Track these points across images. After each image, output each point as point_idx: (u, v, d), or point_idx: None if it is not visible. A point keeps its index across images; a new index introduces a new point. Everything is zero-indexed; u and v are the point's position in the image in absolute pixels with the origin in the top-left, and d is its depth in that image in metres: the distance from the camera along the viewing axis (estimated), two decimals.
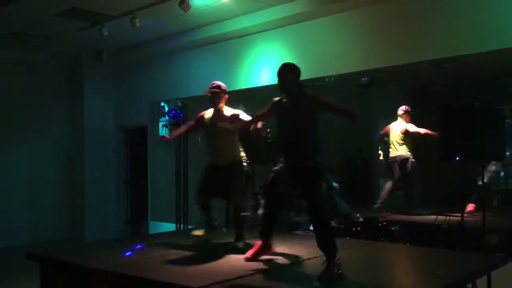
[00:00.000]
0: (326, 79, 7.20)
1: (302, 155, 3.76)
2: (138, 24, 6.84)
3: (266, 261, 4.02)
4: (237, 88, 7.74)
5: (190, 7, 6.21)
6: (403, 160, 6.90)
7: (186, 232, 5.81)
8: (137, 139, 9.69)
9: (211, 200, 4.80)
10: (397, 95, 8.78)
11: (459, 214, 5.37)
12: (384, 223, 6.32)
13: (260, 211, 4.90)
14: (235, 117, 4.57)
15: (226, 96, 4.80)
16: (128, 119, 9.71)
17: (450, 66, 6.43)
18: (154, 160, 9.28)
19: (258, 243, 4.10)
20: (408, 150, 6.91)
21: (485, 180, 5.77)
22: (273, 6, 6.79)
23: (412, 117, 7.03)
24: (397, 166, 6.90)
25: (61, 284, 4.19)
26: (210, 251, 4.53)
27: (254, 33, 7.44)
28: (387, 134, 7.14)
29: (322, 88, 7.68)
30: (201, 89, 7.91)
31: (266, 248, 4.08)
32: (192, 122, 5.11)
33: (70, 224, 9.60)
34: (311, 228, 6.55)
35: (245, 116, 4.60)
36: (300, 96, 3.87)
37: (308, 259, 4.15)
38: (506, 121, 5.96)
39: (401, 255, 4.75)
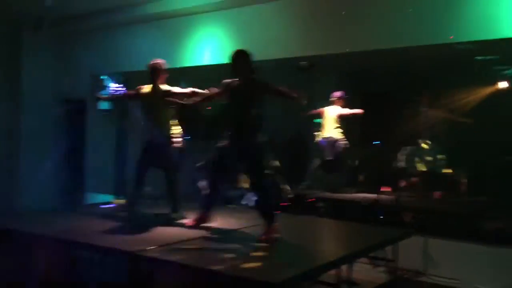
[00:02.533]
0: (263, 62, 7.52)
1: (250, 134, 4.18)
2: None
3: (204, 229, 4.41)
4: (179, 66, 7.95)
5: None
6: (335, 142, 7.32)
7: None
8: (77, 111, 9.64)
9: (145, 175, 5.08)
10: (333, 80, 9.22)
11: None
12: (313, 199, 6.83)
13: (202, 184, 5.23)
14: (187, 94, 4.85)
15: (166, 74, 5.09)
16: (68, 91, 9.60)
17: (384, 54, 6.86)
18: (93, 133, 9.31)
19: (199, 213, 4.50)
20: (340, 133, 7.32)
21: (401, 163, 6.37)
22: None
23: (345, 103, 7.40)
24: (329, 146, 7.33)
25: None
26: (146, 221, 4.82)
27: (199, 13, 7.61)
28: (319, 116, 7.52)
29: (260, 70, 8.02)
30: (144, 64, 8.12)
31: (205, 218, 4.50)
32: (131, 91, 5.34)
33: (2, 195, 9.44)
34: (243, 202, 7.01)
35: (180, 91, 4.93)
36: (252, 80, 4.26)
37: (243, 227, 4.60)
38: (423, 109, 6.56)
39: (323, 227, 5.25)
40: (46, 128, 9.71)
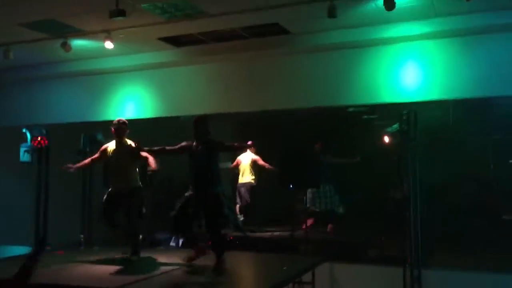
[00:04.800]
0: (181, 117, 8.41)
1: (209, 185, 5.08)
2: (12, 57, 7.14)
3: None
4: (102, 119, 8.48)
5: (71, 48, 6.88)
6: (250, 186, 8.29)
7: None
8: None
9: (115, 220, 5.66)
10: (228, 129, 10.20)
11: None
12: (231, 238, 7.71)
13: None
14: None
15: (127, 130, 5.78)
16: None
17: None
18: (7, 184, 9.31)
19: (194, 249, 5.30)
20: (253, 178, 8.31)
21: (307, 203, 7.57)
22: (143, 52, 7.84)
23: (255, 150, 8.39)
24: (244, 191, 8.28)
25: None
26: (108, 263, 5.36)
27: (123, 72, 8.35)
28: (237, 165, 8.44)
29: (176, 123, 8.81)
30: (64, 117, 8.54)
31: (201, 251, 5.30)
32: (96, 155, 5.86)
33: None
34: (172, 243, 7.68)
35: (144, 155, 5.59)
36: (208, 141, 5.17)
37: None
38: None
39: (249, 260, 6.14)
40: None
